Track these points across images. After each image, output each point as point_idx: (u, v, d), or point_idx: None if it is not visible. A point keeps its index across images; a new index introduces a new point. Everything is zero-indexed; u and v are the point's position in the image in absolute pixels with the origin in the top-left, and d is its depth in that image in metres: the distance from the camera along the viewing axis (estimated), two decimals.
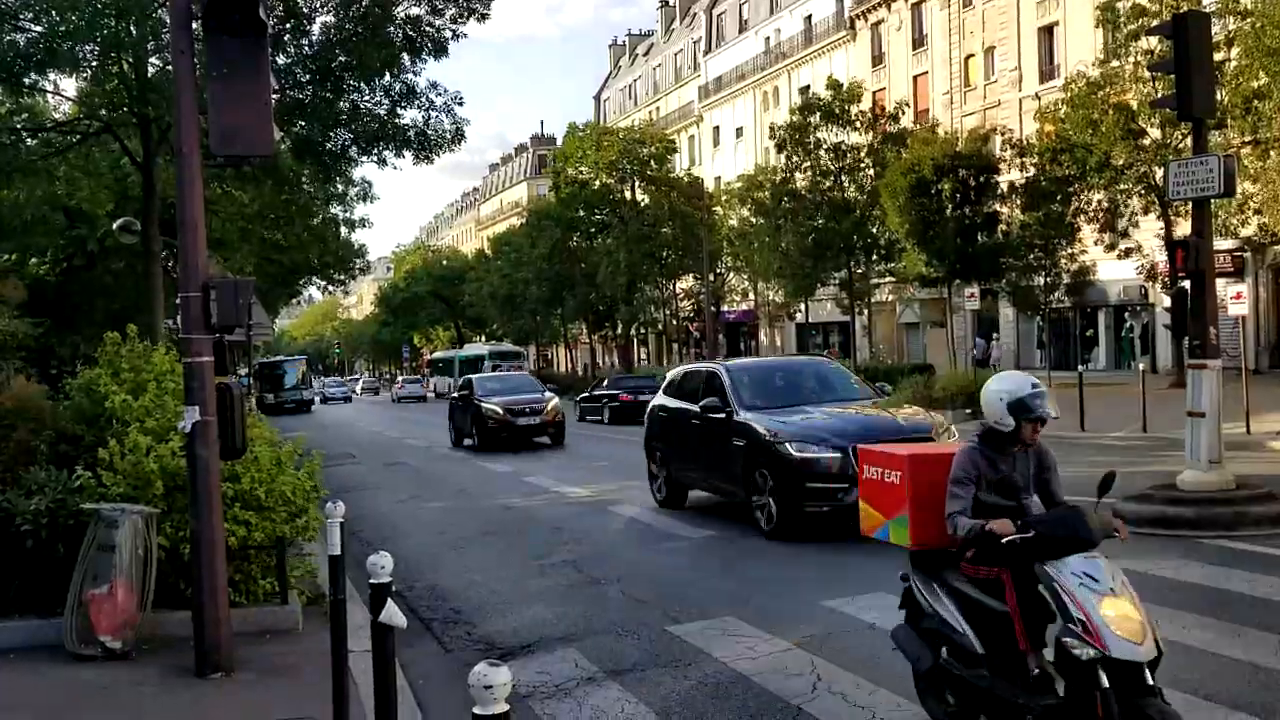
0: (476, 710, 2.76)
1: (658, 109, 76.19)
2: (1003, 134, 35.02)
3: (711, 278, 50.06)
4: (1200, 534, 10.00)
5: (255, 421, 9.52)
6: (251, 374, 33.35)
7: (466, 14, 18.34)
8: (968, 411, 26.37)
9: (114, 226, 19.86)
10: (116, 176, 22.51)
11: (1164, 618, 7.25)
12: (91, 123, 19.54)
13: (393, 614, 4.66)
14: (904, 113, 38.14)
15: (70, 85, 20.84)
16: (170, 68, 7.61)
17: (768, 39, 61.95)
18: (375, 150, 19.65)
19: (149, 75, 17.11)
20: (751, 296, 54.44)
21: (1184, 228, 25.98)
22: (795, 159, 36.63)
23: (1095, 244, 31.91)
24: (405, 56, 18.26)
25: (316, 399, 68.71)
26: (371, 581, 4.88)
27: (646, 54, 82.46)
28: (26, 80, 17.20)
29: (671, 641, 7.53)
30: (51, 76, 18.54)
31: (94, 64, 17.37)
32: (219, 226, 22.73)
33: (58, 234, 25.21)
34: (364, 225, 35.18)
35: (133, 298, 26.45)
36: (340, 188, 27.66)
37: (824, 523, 10.70)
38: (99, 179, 21.72)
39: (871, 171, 35.75)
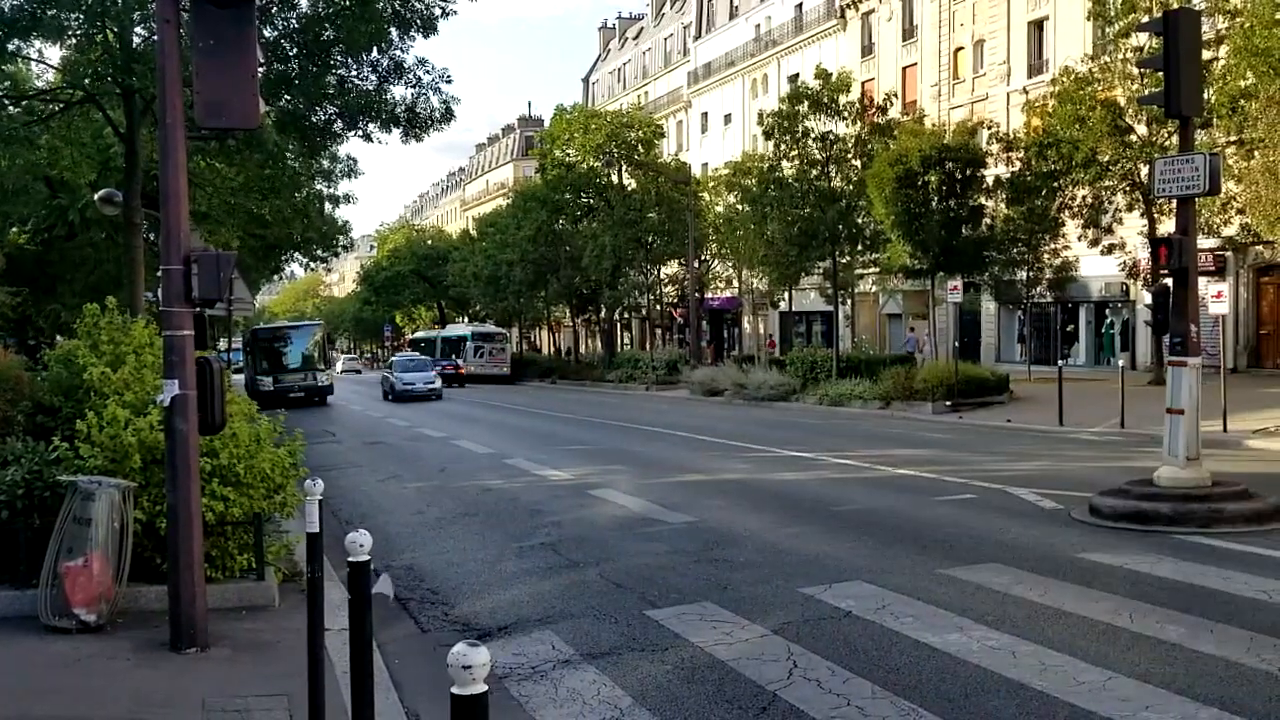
0: (455, 690, 2.75)
1: (646, 93, 75.90)
2: (990, 128, 35.07)
3: (696, 264, 50.03)
4: (1176, 530, 10.09)
5: (235, 397, 9.47)
6: (231, 346, 32.58)
7: None
8: (947, 404, 26.49)
9: (96, 197, 19.66)
10: (99, 147, 22.30)
11: (1138, 613, 7.33)
12: (75, 92, 19.32)
13: (384, 584, 4.69)
14: (892, 104, 38.09)
15: (54, 53, 20.60)
16: (156, 38, 7.52)
17: (758, 26, 61.78)
18: (361, 125, 19.53)
19: (134, 45, 16.93)
20: (736, 284, 54.42)
21: (1167, 225, 26.10)
22: (783, 147, 36.51)
23: (1078, 239, 32.02)
24: (394, 32, 18.12)
25: (333, 382, 44.27)
26: (350, 559, 4.86)
27: (636, 38, 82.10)
28: (10, 47, 16.98)
29: (649, 626, 7.54)
30: (35, 44, 18.34)
31: (79, 32, 17.16)
32: (203, 200, 22.56)
33: (38, 203, 24.97)
34: (348, 201, 34.88)
35: (113, 270, 26.26)
36: (325, 163, 27.45)
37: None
38: (81, 149, 21.50)
39: (858, 162, 35.69)
